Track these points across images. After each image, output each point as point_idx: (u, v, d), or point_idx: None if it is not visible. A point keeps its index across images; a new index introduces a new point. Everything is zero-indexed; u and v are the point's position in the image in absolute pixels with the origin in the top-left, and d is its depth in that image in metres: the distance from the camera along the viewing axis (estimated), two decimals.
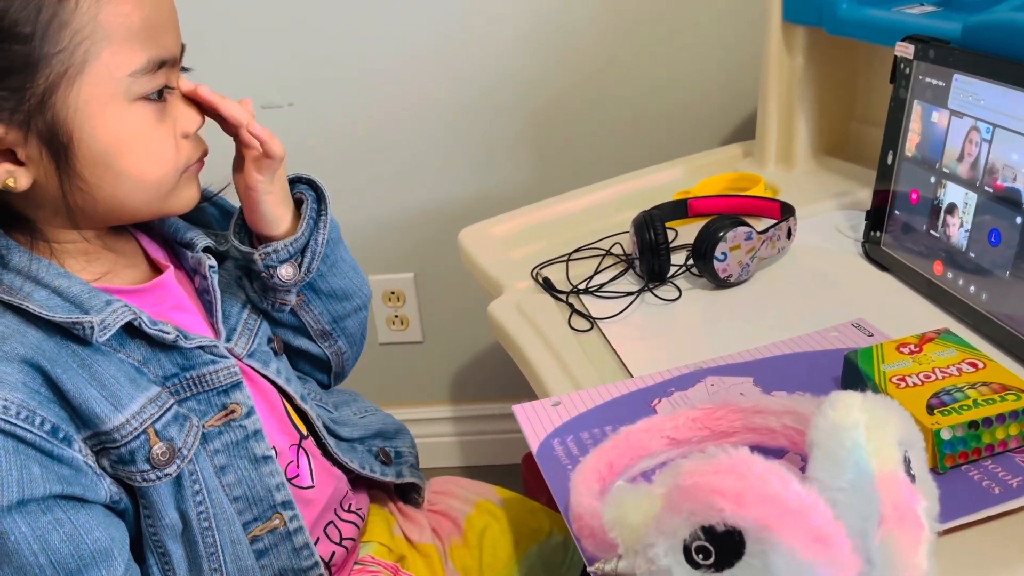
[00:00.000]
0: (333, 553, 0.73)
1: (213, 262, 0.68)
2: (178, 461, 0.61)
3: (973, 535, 0.48)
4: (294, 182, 0.72)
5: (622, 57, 1.27)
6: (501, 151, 1.33)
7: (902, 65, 0.80)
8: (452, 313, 1.45)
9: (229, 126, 0.65)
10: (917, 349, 0.59)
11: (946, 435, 0.51)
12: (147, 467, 0.59)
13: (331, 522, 0.74)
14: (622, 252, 0.91)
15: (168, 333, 0.61)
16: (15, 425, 0.54)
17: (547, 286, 0.86)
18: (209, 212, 0.75)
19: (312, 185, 0.72)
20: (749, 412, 0.55)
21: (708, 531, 0.38)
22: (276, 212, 0.69)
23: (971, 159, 0.71)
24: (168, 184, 0.62)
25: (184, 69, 0.63)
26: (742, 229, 0.79)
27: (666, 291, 0.82)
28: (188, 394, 0.63)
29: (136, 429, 0.59)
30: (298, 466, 0.70)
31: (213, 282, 0.67)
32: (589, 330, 0.79)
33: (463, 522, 0.84)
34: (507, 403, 0.71)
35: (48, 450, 0.55)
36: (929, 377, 0.56)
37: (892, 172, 0.81)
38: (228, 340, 0.68)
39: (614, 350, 0.74)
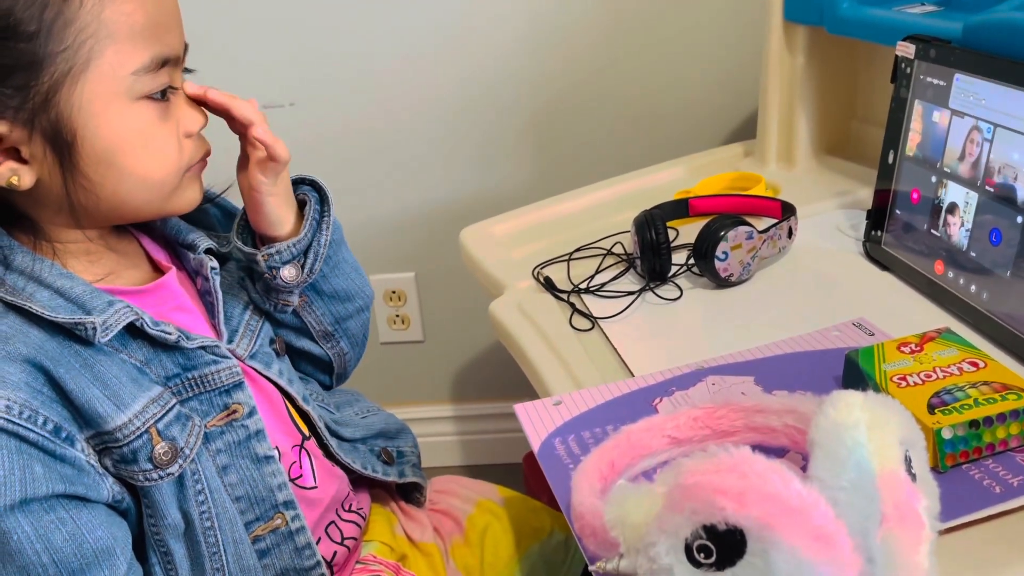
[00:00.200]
0: (335, 553, 0.73)
1: (215, 264, 0.68)
2: (180, 461, 0.61)
3: (974, 534, 0.48)
4: (297, 183, 0.72)
5: (623, 56, 1.27)
6: (502, 150, 1.33)
7: (903, 65, 0.80)
8: (453, 312, 1.45)
9: (238, 125, 0.65)
10: (918, 348, 0.59)
11: (947, 434, 0.51)
12: (149, 466, 0.59)
13: (333, 522, 0.74)
14: (623, 251, 0.91)
15: (170, 334, 0.61)
16: (18, 425, 0.54)
17: (548, 285, 0.86)
18: (211, 213, 0.75)
19: (315, 186, 0.72)
20: (750, 411, 0.55)
21: (710, 530, 0.38)
22: (279, 213, 0.69)
23: (972, 159, 0.71)
24: (171, 183, 0.62)
25: (187, 70, 0.64)
26: (743, 228, 0.79)
27: (667, 290, 0.82)
28: (190, 394, 0.63)
29: (138, 429, 0.59)
30: (301, 466, 0.71)
31: (215, 283, 0.67)
32: (590, 329, 0.79)
33: (464, 521, 0.84)
34: (508, 402, 0.71)
35: (51, 450, 0.56)
36: (930, 376, 0.56)
37: (893, 171, 0.81)
38: (230, 341, 0.68)
39: (615, 349, 0.75)
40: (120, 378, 0.59)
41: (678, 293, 0.81)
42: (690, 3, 1.23)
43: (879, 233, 0.82)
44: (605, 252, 0.91)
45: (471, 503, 0.85)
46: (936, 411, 0.52)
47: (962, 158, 0.72)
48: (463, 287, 1.38)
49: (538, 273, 0.89)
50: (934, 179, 0.75)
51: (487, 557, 0.81)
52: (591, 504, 0.47)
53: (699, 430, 0.56)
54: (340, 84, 1.30)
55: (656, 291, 0.82)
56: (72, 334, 0.58)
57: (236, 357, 0.67)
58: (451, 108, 1.31)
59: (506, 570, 0.81)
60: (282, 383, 0.71)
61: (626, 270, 0.87)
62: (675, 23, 1.24)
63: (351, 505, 0.76)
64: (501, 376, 1.49)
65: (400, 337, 1.49)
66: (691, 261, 0.83)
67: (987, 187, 0.69)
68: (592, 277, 0.86)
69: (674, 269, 0.83)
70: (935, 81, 0.76)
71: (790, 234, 0.84)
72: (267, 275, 0.69)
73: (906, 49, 0.79)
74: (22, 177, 0.57)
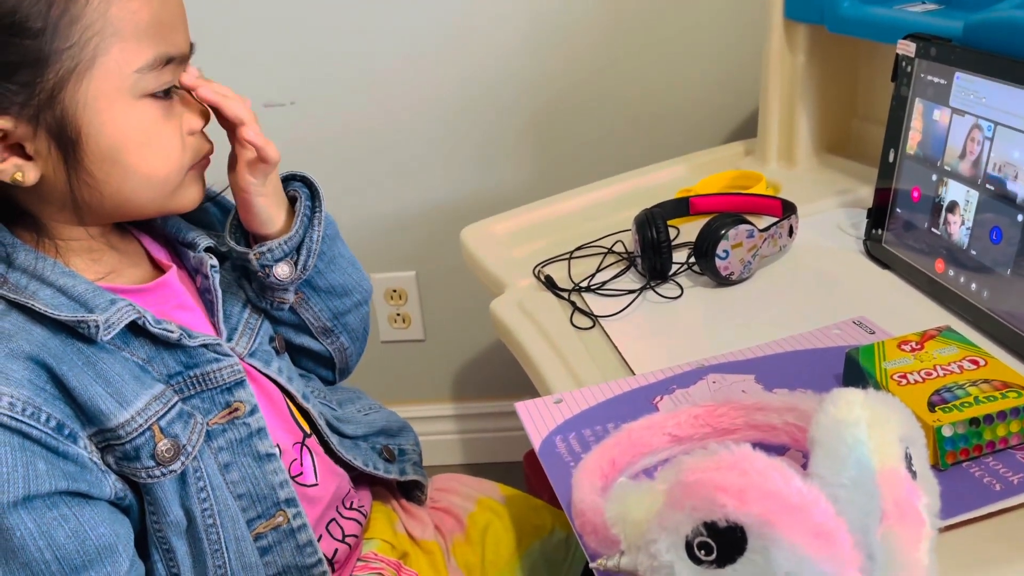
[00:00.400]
0: (336, 550, 0.73)
1: (215, 262, 0.68)
2: (183, 458, 0.61)
3: (974, 532, 0.49)
4: (288, 180, 0.72)
5: (624, 56, 1.27)
6: (503, 149, 1.34)
7: (904, 63, 0.80)
8: (454, 311, 1.45)
9: (227, 123, 0.65)
10: (918, 346, 0.59)
11: (947, 432, 0.51)
12: (152, 463, 0.60)
13: (334, 519, 0.74)
14: (624, 250, 0.91)
15: (172, 332, 0.62)
16: (21, 422, 0.54)
17: (549, 284, 0.86)
18: (211, 212, 0.75)
19: (306, 183, 0.72)
20: (751, 409, 0.55)
21: (710, 527, 0.38)
22: (269, 212, 0.69)
23: (973, 157, 0.71)
24: (174, 181, 0.62)
25: None
26: (744, 227, 0.79)
27: (668, 289, 0.82)
28: (192, 392, 0.64)
29: (141, 426, 0.59)
30: (301, 464, 0.71)
31: (215, 281, 0.67)
32: (591, 328, 0.79)
33: (465, 519, 0.84)
34: (509, 401, 0.71)
35: (53, 447, 0.56)
36: (930, 374, 0.56)
37: (894, 170, 0.81)
38: (229, 339, 0.68)
39: (616, 348, 0.75)
40: (122, 376, 0.59)
41: (679, 291, 0.82)
42: (690, 2, 1.23)
43: (880, 231, 0.82)
44: (606, 251, 0.91)
45: (472, 501, 0.86)
46: (936, 409, 0.52)
47: (963, 156, 0.72)
48: (464, 286, 1.38)
49: (539, 272, 0.89)
50: (935, 177, 0.76)
51: (488, 555, 0.81)
52: (592, 501, 0.47)
53: (700, 428, 0.56)
54: (341, 83, 1.30)
55: (657, 289, 0.82)
56: (75, 332, 0.58)
57: (236, 355, 0.67)
58: (452, 107, 1.31)
59: (507, 568, 0.81)
60: (282, 381, 0.71)
61: (627, 268, 0.87)
62: (675, 23, 1.24)
63: (352, 503, 0.76)
64: (502, 375, 1.49)
65: (401, 336, 1.49)
66: (692, 260, 0.83)
67: (987, 185, 0.69)
68: (593, 276, 0.86)
69: (675, 267, 0.83)
70: (936, 79, 0.76)
71: (791, 233, 0.84)
72: (260, 273, 0.69)
73: (907, 47, 0.79)
74: (26, 173, 0.57)
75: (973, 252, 0.70)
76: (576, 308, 0.82)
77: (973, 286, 0.70)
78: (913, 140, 0.79)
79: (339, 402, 0.81)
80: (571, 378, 0.72)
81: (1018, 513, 0.49)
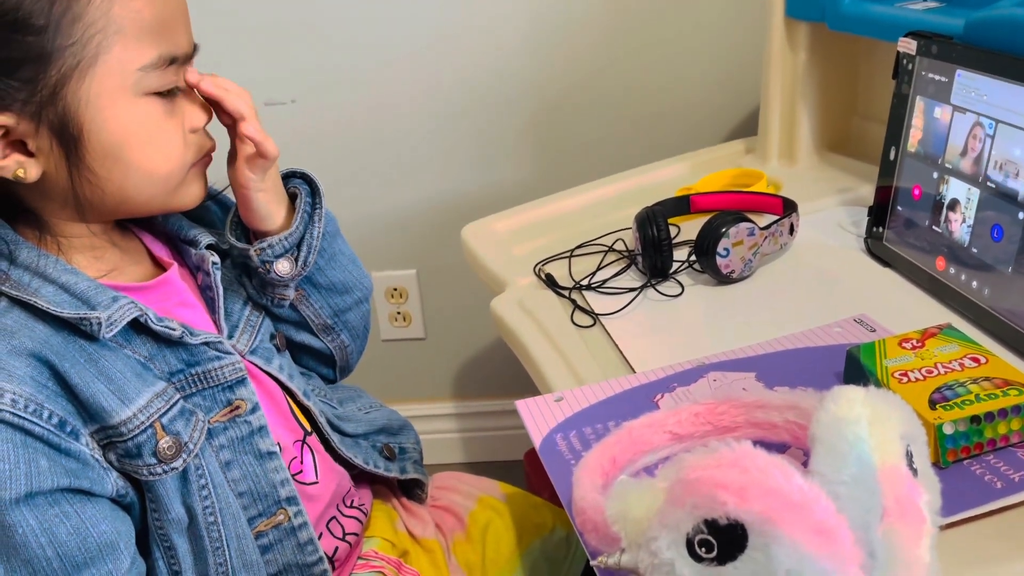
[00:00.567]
0: (336, 548, 0.73)
1: (216, 259, 0.68)
2: (184, 455, 0.61)
3: (975, 529, 0.49)
4: (288, 177, 0.72)
5: (625, 54, 1.27)
6: (504, 148, 1.33)
7: (905, 61, 0.80)
8: (455, 309, 1.46)
9: (227, 118, 0.66)
10: (919, 344, 0.59)
11: (948, 430, 0.51)
12: (153, 461, 0.60)
13: (334, 517, 0.74)
14: (625, 248, 0.91)
15: (174, 330, 0.62)
16: (23, 419, 0.54)
17: (550, 282, 0.86)
18: (212, 210, 0.75)
19: (306, 179, 0.72)
20: (751, 407, 0.55)
21: (711, 524, 0.38)
22: (269, 208, 0.69)
23: (974, 154, 0.71)
24: (176, 179, 0.62)
25: None
26: (744, 225, 0.79)
27: (668, 287, 0.82)
28: (194, 390, 0.64)
29: (143, 423, 0.59)
30: (301, 462, 0.71)
31: (216, 279, 0.67)
32: (592, 326, 0.79)
33: (466, 517, 0.84)
34: (509, 399, 0.71)
35: (55, 444, 0.56)
36: (931, 372, 0.56)
37: (894, 168, 0.81)
38: (230, 337, 0.68)
39: (616, 346, 0.75)
40: (124, 373, 0.59)
41: (679, 290, 0.81)
42: (691, 1, 1.23)
43: (881, 229, 0.82)
44: (607, 249, 0.91)
45: (472, 499, 0.86)
46: (937, 407, 0.52)
47: (964, 154, 0.72)
48: (464, 284, 1.38)
49: (540, 270, 0.89)
50: (936, 175, 0.75)
51: (489, 553, 0.82)
52: (593, 499, 0.47)
53: (700, 426, 0.56)
54: (342, 82, 1.30)
55: (658, 287, 0.82)
56: (77, 329, 0.58)
57: (237, 353, 0.67)
58: (453, 105, 1.31)
59: (508, 566, 0.81)
60: (283, 378, 0.71)
61: (628, 267, 0.87)
62: (677, 20, 1.24)
63: (353, 501, 0.76)
64: (502, 373, 1.49)
65: (401, 334, 1.49)
66: (693, 258, 0.83)
67: (988, 183, 0.69)
68: (594, 274, 0.86)
69: (675, 266, 0.83)
70: (937, 77, 0.76)
71: (792, 231, 0.84)
72: (261, 269, 0.69)
73: (908, 45, 0.79)
74: (28, 170, 0.57)
75: (974, 250, 0.70)
76: (577, 306, 0.82)
77: (974, 284, 0.70)
78: (914, 138, 0.79)
79: (340, 400, 0.81)
80: (572, 376, 0.72)
81: (1019, 511, 0.49)
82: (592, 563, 0.46)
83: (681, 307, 0.80)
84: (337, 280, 0.76)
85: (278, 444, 0.68)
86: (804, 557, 0.36)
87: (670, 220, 0.85)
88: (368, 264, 0.82)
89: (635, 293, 0.81)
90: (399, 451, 0.82)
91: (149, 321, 0.60)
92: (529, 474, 1.17)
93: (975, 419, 0.51)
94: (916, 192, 0.78)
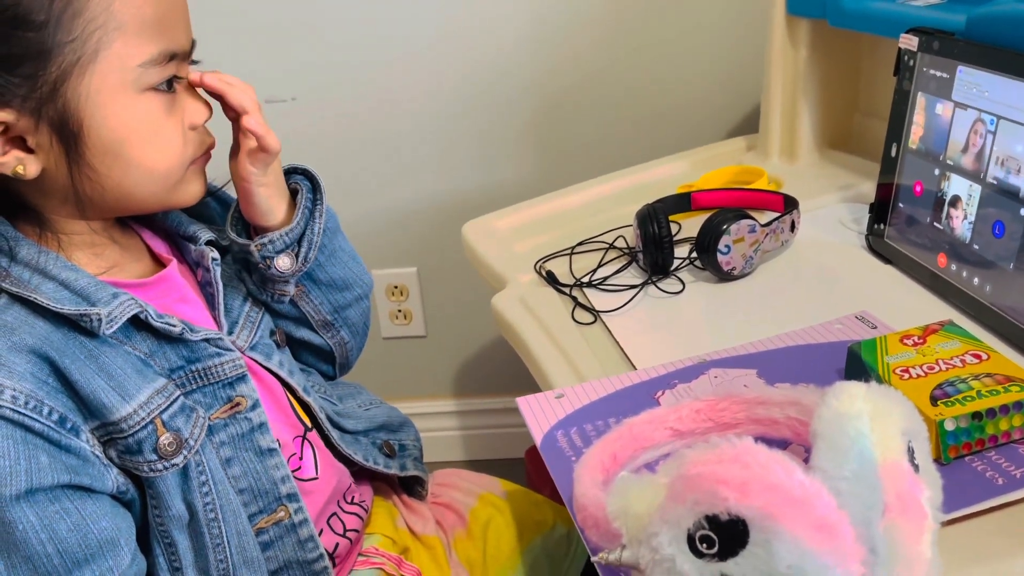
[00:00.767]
0: (337, 544, 0.73)
1: (216, 255, 0.68)
2: (185, 452, 0.61)
3: (976, 525, 0.49)
4: (290, 172, 0.72)
5: (625, 53, 1.26)
6: (505, 145, 1.33)
7: (906, 57, 0.79)
8: (455, 307, 1.45)
9: (231, 112, 0.66)
10: (921, 341, 0.59)
11: (949, 426, 0.51)
12: (154, 457, 0.60)
13: (334, 514, 0.74)
14: (625, 245, 0.91)
15: (174, 326, 0.62)
16: (23, 415, 0.54)
17: (550, 279, 0.86)
18: (211, 207, 0.75)
19: (308, 175, 0.72)
20: (752, 403, 0.55)
21: (712, 520, 0.38)
22: (271, 203, 0.69)
23: (975, 151, 0.71)
24: (175, 175, 0.62)
25: (192, 62, 0.64)
26: (745, 222, 0.79)
27: (669, 284, 0.82)
28: (194, 386, 0.64)
29: (143, 419, 0.59)
30: (301, 458, 0.71)
31: (216, 275, 0.67)
32: (592, 323, 0.79)
33: (467, 514, 0.84)
34: (510, 397, 0.71)
35: (56, 440, 0.56)
36: (933, 368, 0.56)
37: (896, 164, 0.81)
38: (230, 333, 0.68)
39: (617, 343, 0.75)
40: (125, 369, 0.59)
41: (680, 287, 0.81)
42: (692, 0, 1.23)
43: (882, 226, 0.82)
44: (607, 246, 0.91)
45: (473, 496, 0.86)
46: (939, 403, 0.52)
47: (965, 150, 0.72)
48: (465, 281, 1.38)
49: (540, 267, 0.89)
50: (937, 172, 0.75)
51: (489, 550, 0.82)
52: (593, 495, 0.47)
53: (701, 422, 0.56)
54: (343, 80, 1.30)
55: (658, 285, 0.82)
56: (77, 326, 0.58)
57: (237, 349, 0.67)
58: (454, 103, 1.31)
59: (508, 563, 0.81)
60: (283, 374, 0.71)
61: (628, 264, 0.87)
62: (678, 17, 1.24)
63: (353, 497, 0.76)
64: (503, 371, 1.49)
65: (402, 332, 1.49)
66: (693, 255, 0.82)
67: (990, 180, 0.69)
68: (594, 271, 0.86)
69: (676, 263, 0.83)
70: (938, 73, 0.76)
71: (793, 228, 0.84)
72: (261, 265, 0.69)
73: (909, 41, 0.79)
74: (28, 166, 0.57)
75: (975, 246, 0.70)
76: (577, 303, 0.82)
77: (975, 280, 0.70)
78: (915, 134, 0.79)
79: (340, 397, 0.81)
80: (572, 373, 0.72)
81: (1020, 507, 0.49)
82: (593, 559, 0.46)
83: (682, 304, 0.80)
84: (337, 276, 0.76)
85: (278, 440, 0.67)
86: (805, 553, 0.36)
87: (671, 217, 0.85)
88: (369, 262, 0.82)
89: (636, 290, 0.81)
90: (399, 448, 0.82)
91: (149, 318, 0.60)
92: (530, 471, 1.17)
93: (976, 415, 0.51)
94: (917, 189, 0.78)
